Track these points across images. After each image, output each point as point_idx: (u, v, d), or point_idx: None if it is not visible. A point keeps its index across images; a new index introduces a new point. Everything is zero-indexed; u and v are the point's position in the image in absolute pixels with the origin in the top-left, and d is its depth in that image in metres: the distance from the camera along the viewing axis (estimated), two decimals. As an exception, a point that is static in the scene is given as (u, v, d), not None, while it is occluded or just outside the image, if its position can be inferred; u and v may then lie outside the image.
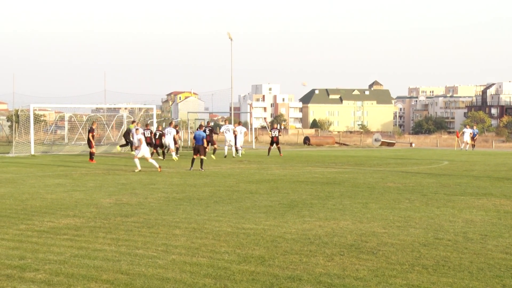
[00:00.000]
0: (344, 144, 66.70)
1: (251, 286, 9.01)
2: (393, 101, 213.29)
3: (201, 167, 28.52)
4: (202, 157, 28.64)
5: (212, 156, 37.46)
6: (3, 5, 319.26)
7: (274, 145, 41.33)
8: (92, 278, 9.38)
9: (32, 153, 40.42)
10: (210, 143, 39.21)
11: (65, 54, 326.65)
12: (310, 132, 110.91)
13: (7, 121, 77.68)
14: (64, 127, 56.08)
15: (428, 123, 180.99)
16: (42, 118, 64.75)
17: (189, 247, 11.48)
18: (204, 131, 31.60)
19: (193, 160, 28.85)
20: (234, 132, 40.26)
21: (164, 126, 41.38)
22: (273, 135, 41.55)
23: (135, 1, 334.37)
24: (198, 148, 28.56)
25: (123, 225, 13.81)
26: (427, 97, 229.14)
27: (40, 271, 9.75)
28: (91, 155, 34.82)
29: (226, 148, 39.74)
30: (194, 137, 28.96)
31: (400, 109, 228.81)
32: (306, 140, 63.82)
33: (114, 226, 13.67)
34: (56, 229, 13.36)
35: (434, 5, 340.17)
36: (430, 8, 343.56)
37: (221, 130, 41.42)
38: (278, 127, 43.49)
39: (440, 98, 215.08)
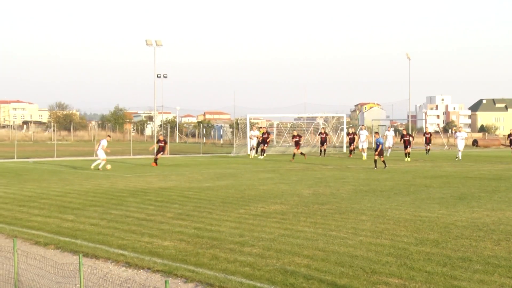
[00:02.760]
0: (509, 146, 62.68)
1: (427, 264, 8.73)
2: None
3: (385, 166, 28.09)
4: (382, 158, 28.41)
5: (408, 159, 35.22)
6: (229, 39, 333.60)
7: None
8: (295, 253, 9.54)
9: (248, 153, 41.79)
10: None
11: (274, 74, 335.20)
12: (478, 135, 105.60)
13: (230, 128, 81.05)
14: (273, 132, 57.57)
15: None
16: (256, 125, 66.82)
17: (374, 231, 11.34)
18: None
19: (375, 161, 28.41)
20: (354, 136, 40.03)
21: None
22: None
23: (330, 29, 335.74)
24: (382, 151, 28.36)
25: (319, 211, 13.92)
26: None
27: (255, 246, 10.08)
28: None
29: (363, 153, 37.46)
30: (378, 141, 28.59)
31: None
32: (475, 143, 62.09)
33: (312, 212, 13.82)
34: (267, 213, 13.74)
35: None
36: None
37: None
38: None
39: None
